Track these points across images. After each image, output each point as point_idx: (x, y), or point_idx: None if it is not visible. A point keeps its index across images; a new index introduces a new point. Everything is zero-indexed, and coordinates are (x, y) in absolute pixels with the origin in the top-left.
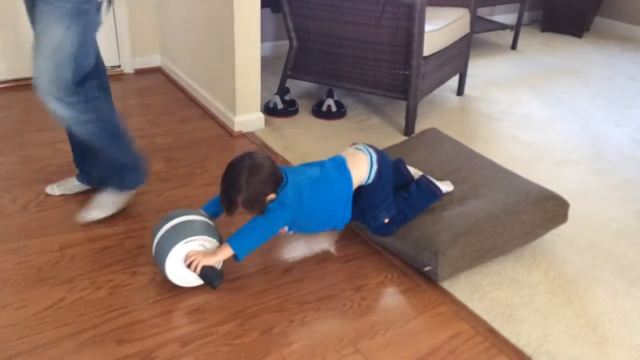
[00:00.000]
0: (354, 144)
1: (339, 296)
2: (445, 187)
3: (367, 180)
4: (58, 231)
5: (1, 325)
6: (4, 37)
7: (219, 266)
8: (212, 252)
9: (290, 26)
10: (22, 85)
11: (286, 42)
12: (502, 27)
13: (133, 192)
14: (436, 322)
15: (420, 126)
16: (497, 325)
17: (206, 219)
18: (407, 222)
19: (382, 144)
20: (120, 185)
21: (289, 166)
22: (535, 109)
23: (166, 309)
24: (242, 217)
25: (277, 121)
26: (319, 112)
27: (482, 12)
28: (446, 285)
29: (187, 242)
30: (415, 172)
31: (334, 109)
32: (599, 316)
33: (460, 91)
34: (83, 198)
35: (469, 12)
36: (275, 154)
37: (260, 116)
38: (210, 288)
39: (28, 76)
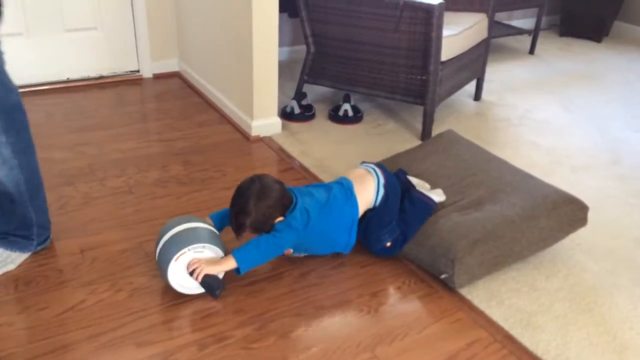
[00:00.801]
0: (363, 162)
1: (356, 301)
2: (437, 196)
3: (374, 204)
4: (79, 234)
5: (23, 326)
6: (24, 43)
7: (221, 276)
8: (216, 262)
9: (308, 31)
10: (43, 90)
11: (303, 47)
12: (520, 31)
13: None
14: (453, 328)
15: (437, 131)
16: (515, 332)
17: (211, 228)
18: (408, 241)
19: (399, 149)
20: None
21: (296, 187)
22: (554, 114)
23: (185, 312)
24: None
25: (294, 126)
26: (335, 116)
27: (500, 16)
28: (464, 291)
29: (191, 248)
30: (417, 183)
31: (350, 113)
32: (619, 324)
33: (477, 96)
34: (103, 201)
35: (486, 17)
36: (291, 158)
37: (277, 121)
38: (211, 297)
39: (49, 80)
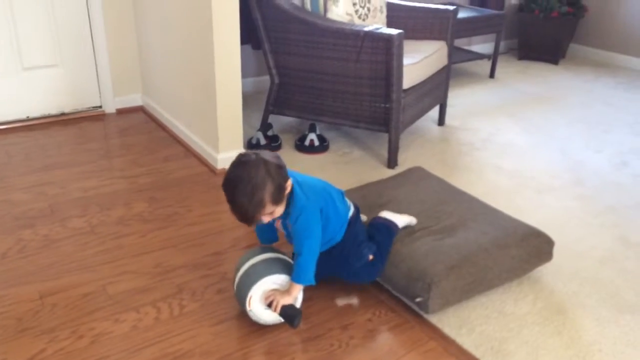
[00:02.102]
0: None
1: (327, 335)
2: (403, 220)
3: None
4: (39, 279)
5: None
6: None
7: (298, 304)
8: (288, 291)
9: (271, 63)
10: (2, 130)
11: (268, 78)
12: (480, 56)
13: None
14: (426, 359)
15: (403, 157)
16: None
17: (277, 255)
18: (384, 264)
19: (366, 177)
20: None
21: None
22: (516, 137)
23: (150, 356)
24: None
25: None
26: (302, 146)
27: (460, 42)
28: (434, 320)
29: (263, 282)
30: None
31: (316, 143)
32: (588, 346)
33: (441, 121)
34: (64, 243)
35: (446, 45)
36: None
37: None
38: (290, 327)
39: (9, 120)
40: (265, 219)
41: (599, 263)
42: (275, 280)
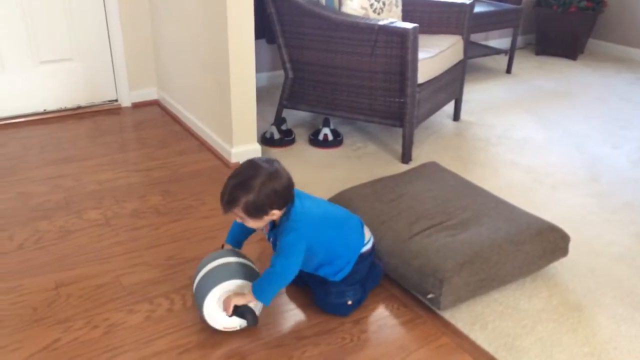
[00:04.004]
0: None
1: (338, 329)
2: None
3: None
4: (54, 269)
5: None
6: None
7: (256, 307)
8: (243, 294)
9: (285, 57)
10: (19, 123)
11: (282, 72)
12: (497, 51)
13: None
14: (438, 354)
15: (417, 153)
16: (499, 356)
17: (239, 259)
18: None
19: (379, 172)
20: None
21: (304, 192)
22: (532, 133)
23: (161, 348)
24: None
25: (274, 151)
26: (315, 141)
27: (477, 37)
28: (447, 315)
29: (217, 289)
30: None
31: (330, 137)
32: (603, 344)
33: (456, 116)
34: (79, 235)
35: (462, 39)
36: None
37: (257, 147)
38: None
39: (26, 113)
40: (237, 218)
41: (615, 260)
42: (228, 288)
